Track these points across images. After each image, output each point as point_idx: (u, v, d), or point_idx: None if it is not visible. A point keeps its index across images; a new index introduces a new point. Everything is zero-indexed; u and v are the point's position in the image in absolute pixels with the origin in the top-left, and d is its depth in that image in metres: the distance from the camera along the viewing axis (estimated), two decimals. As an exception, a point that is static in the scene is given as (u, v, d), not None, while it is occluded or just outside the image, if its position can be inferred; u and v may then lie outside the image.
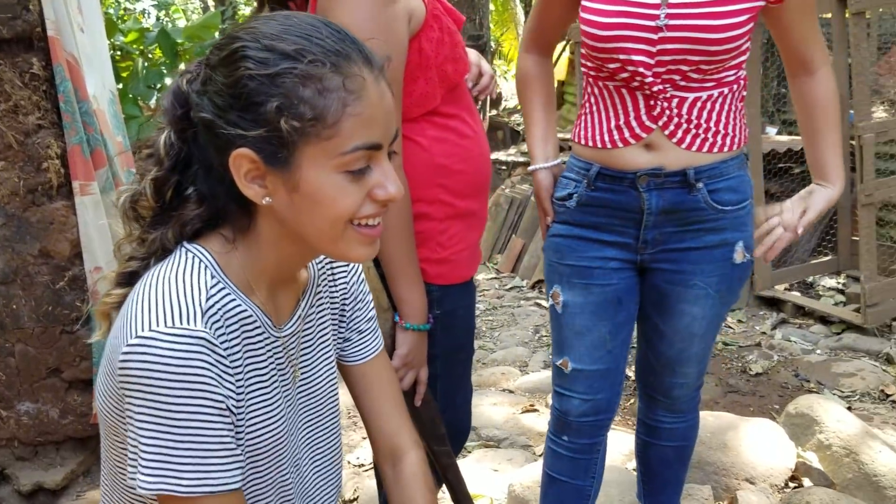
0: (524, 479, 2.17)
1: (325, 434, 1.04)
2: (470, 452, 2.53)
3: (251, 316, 0.88)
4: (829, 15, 3.97)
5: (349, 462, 2.52)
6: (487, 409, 2.90)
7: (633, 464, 1.91)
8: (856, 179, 3.64)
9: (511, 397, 3.09)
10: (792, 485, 2.25)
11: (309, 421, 1.02)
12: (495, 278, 5.56)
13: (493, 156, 7.51)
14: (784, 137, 5.06)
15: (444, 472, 1.48)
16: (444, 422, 1.48)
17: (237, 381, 0.85)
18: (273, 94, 0.78)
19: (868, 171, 3.54)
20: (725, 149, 1.40)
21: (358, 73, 0.80)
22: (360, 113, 0.79)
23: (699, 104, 1.36)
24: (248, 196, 0.83)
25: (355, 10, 1.16)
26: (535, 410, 2.90)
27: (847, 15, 3.67)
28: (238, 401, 0.85)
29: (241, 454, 0.84)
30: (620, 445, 2.40)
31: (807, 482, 2.25)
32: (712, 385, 3.15)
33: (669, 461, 1.74)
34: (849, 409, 2.70)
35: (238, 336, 0.86)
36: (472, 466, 2.41)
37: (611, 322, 1.50)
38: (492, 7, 10.19)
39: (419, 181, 1.33)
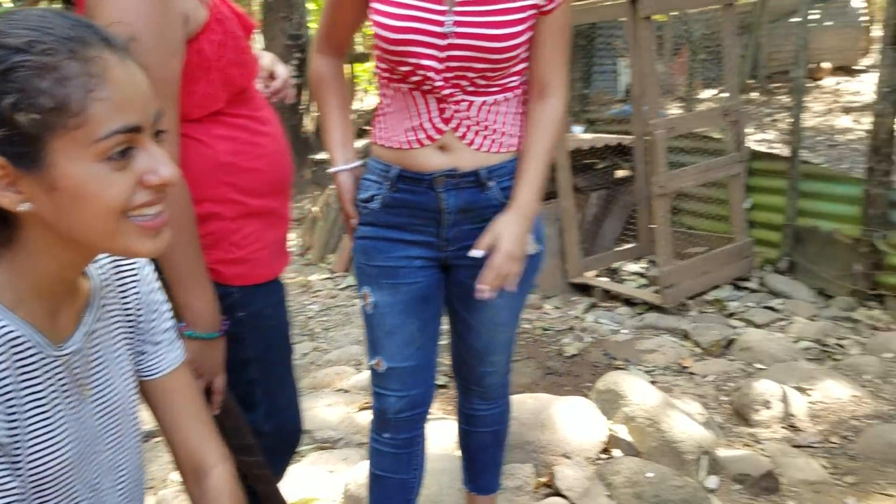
0: (359, 477, 2.18)
1: (128, 453, 1.00)
2: (304, 456, 2.52)
3: (21, 336, 0.82)
4: (626, 19, 4.32)
5: (173, 480, 2.43)
6: (322, 410, 2.90)
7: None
8: (651, 172, 3.99)
9: (346, 396, 3.10)
10: (604, 456, 2.42)
11: (110, 442, 0.97)
12: (328, 278, 5.53)
13: (321, 156, 7.42)
14: (588, 135, 5.43)
15: (256, 485, 1.44)
16: (272, 427, 1.46)
17: (8, 409, 0.80)
18: (7, 90, 0.73)
19: (661, 165, 3.89)
20: (512, 148, 1.48)
21: (98, 55, 0.76)
22: (109, 97, 0.76)
23: (487, 107, 1.43)
24: (2, 205, 0.77)
25: (123, 6, 1.12)
26: (370, 407, 2.92)
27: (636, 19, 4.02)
28: (11, 430, 0.80)
29: (18, 488, 0.80)
30: (454, 434, 2.48)
31: (617, 453, 2.43)
32: (532, 368, 3.34)
33: (487, 445, 1.82)
34: (652, 382, 2.94)
35: (6, 360, 0.81)
36: (307, 470, 2.40)
37: (419, 319, 1.55)
38: (312, 6, 10.07)
39: (205, 180, 1.29)
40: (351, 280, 5.36)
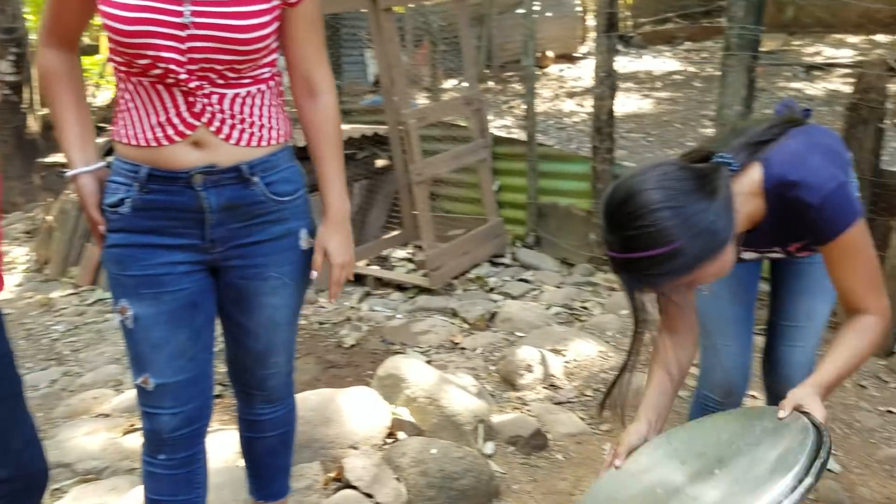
0: (132, 505, 2.05)
1: None
2: (66, 493, 2.29)
3: None
4: (367, 10, 4.39)
5: None
6: (81, 439, 2.64)
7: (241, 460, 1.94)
8: (408, 161, 4.12)
9: (108, 421, 2.85)
10: (390, 441, 2.48)
11: None
12: (73, 293, 5.02)
13: (51, 158, 6.76)
14: (345, 126, 5.49)
15: None
16: (10, 472, 1.31)
17: None
18: None
19: (416, 153, 4.04)
20: (273, 142, 1.46)
21: None
22: None
23: (240, 100, 1.40)
24: None
25: None
26: (138, 430, 2.73)
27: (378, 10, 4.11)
28: None
29: None
30: (232, 444, 2.39)
31: (402, 435, 2.50)
32: (313, 364, 3.32)
33: (275, 450, 1.78)
34: (428, 362, 3.07)
35: None
36: (71, 508, 2.19)
37: (189, 328, 1.48)
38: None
39: None
40: (100, 294, 4.92)
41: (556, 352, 3.13)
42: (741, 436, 1.27)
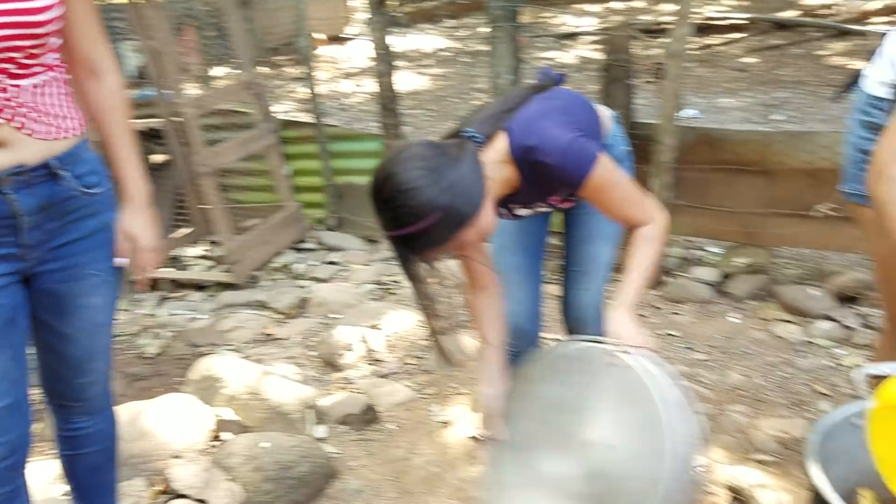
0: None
1: None
2: None
3: None
4: (126, 1, 4.09)
5: None
6: None
7: (61, 487, 1.77)
8: (191, 153, 3.91)
9: None
10: (216, 443, 2.39)
11: None
12: None
13: None
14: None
15: None
16: None
17: None
18: None
19: (198, 144, 3.85)
20: (74, 132, 1.40)
21: None
22: None
23: (39, 91, 1.32)
24: None
25: None
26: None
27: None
28: None
29: None
30: (41, 474, 2.17)
31: (228, 435, 2.42)
32: (115, 379, 3.08)
33: (100, 466, 1.69)
34: (244, 358, 2.97)
35: None
36: None
37: (10, 348, 1.36)
38: None
39: None
40: None
41: (374, 327, 3.16)
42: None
